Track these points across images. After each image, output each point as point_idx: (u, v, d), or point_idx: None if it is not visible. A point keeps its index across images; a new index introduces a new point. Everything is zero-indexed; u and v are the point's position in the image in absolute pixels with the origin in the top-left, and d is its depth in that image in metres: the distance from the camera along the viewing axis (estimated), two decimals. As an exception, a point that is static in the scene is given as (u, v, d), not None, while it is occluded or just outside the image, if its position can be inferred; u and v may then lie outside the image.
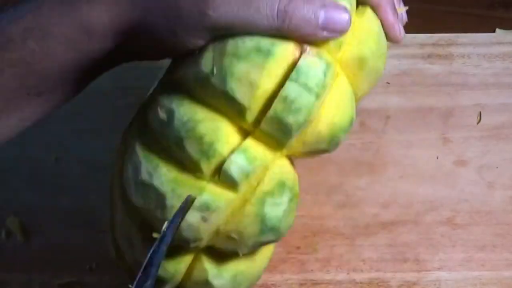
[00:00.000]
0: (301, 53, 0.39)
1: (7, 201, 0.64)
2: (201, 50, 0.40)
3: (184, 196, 0.40)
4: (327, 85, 0.39)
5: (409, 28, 0.72)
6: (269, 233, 0.42)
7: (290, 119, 0.39)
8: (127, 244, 0.45)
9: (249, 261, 0.46)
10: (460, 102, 0.67)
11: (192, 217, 0.40)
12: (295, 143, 0.41)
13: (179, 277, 0.45)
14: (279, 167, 0.42)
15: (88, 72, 0.43)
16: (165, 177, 0.41)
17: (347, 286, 0.60)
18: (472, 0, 0.74)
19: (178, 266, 0.44)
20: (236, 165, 0.39)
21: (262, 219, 0.41)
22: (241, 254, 0.43)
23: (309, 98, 0.39)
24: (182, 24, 0.39)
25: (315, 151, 0.43)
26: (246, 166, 0.40)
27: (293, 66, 0.39)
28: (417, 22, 0.73)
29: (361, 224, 0.63)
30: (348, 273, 0.61)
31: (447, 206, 0.63)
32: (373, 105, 0.67)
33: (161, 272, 0.43)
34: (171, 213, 0.40)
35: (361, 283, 0.60)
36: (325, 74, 0.39)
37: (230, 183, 0.40)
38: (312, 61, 0.39)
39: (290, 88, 0.38)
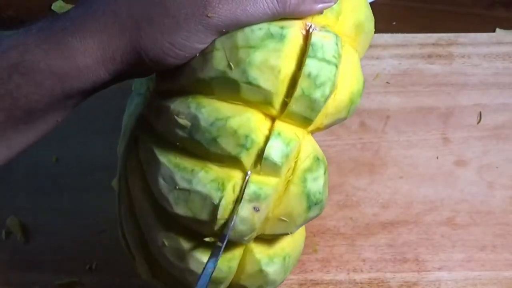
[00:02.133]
0: (308, 31, 0.40)
1: (7, 201, 0.64)
2: (206, 51, 0.41)
3: (230, 191, 0.41)
4: (341, 55, 0.41)
5: (409, 28, 0.72)
6: (315, 207, 0.43)
7: (318, 94, 0.40)
8: (173, 256, 0.45)
9: (292, 242, 0.47)
10: (460, 102, 0.67)
11: (245, 210, 0.41)
12: (319, 117, 0.42)
13: (233, 274, 0.45)
14: (309, 143, 0.43)
15: (77, 100, 0.43)
16: (205, 179, 0.41)
17: (347, 286, 0.60)
18: (472, 0, 0.74)
19: (231, 264, 0.44)
20: (276, 150, 0.40)
21: (307, 196, 0.42)
22: (291, 235, 0.44)
23: (331, 69, 0.40)
24: (182, 34, 0.39)
25: (336, 121, 0.44)
26: (284, 148, 0.40)
27: (305, 44, 0.40)
28: (417, 22, 0.73)
29: (361, 224, 0.63)
30: (348, 273, 0.61)
31: (447, 206, 0.63)
32: (373, 105, 0.67)
33: (214, 274, 0.43)
34: (221, 212, 0.41)
35: (361, 283, 0.60)
36: (337, 44, 0.41)
37: (273, 168, 0.41)
38: (323, 35, 0.40)
39: (311, 65, 0.40)
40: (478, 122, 0.67)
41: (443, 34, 0.70)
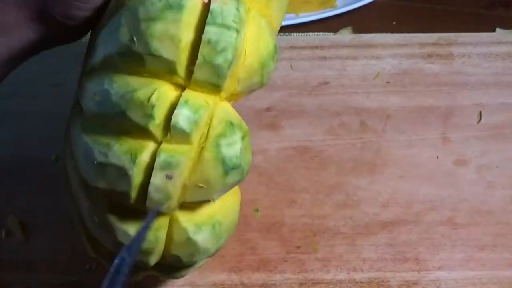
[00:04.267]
0: None
1: (7, 201, 0.64)
2: (113, 29, 0.42)
3: (144, 161, 0.41)
4: (244, 20, 0.42)
5: (409, 28, 0.72)
6: (232, 172, 0.43)
7: (219, 60, 0.41)
8: (104, 230, 0.46)
9: (223, 209, 0.47)
10: (460, 102, 0.67)
11: (157, 178, 0.41)
12: (230, 83, 0.43)
13: (162, 244, 0.46)
14: (222, 109, 0.43)
15: (10, 61, 0.45)
16: (119, 151, 0.42)
17: (347, 286, 0.60)
18: (472, 0, 0.74)
19: (157, 234, 0.45)
20: (183, 118, 0.41)
21: (222, 161, 0.43)
22: (213, 201, 0.45)
23: (231, 34, 0.41)
24: None
25: (251, 86, 0.44)
26: (192, 115, 0.41)
27: (206, 11, 0.41)
28: (417, 22, 0.73)
29: (361, 224, 0.63)
30: (348, 273, 0.61)
31: (447, 206, 0.63)
32: (373, 105, 0.67)
33: (143, 245, 0.44)
34: (136, 182, 0.42)
35: (361, 283, 0.60)
36: (238, 10, 0.41)
37: (182, 136, 0.41)
38: (223, 1, 0.41)
39: (211, 31, 0.40)
40: (478, 122, 0.67)
41: (443, 34, 0.71)
